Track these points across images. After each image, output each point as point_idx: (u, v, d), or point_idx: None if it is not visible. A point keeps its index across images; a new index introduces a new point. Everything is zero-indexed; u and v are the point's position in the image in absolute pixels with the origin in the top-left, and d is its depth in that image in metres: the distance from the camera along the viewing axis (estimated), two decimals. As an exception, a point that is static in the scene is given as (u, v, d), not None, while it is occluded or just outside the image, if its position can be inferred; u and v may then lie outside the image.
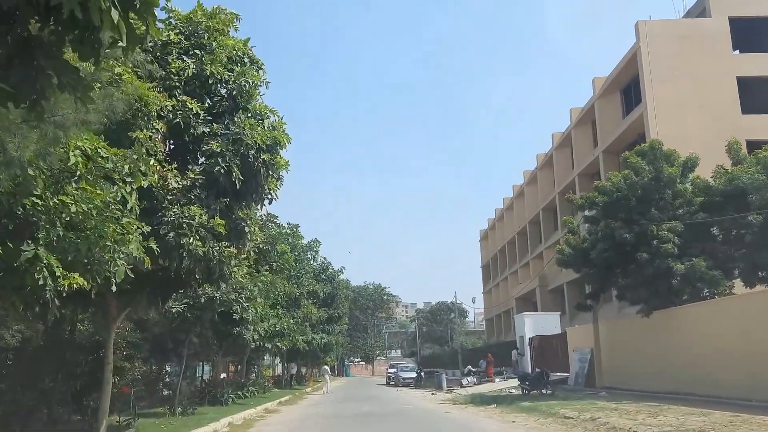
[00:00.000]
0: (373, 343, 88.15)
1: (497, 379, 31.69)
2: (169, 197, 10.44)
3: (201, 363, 34.60)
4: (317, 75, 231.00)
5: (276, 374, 39.68)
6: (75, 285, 7.00)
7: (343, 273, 38.65)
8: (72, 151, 6.78)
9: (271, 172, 11.61)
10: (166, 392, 20.62)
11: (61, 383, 13.21)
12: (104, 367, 11.47)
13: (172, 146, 11.86)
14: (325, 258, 38.77)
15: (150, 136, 8.36)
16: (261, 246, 19.08)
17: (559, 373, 28.54)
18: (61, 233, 6.88)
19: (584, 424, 12.74)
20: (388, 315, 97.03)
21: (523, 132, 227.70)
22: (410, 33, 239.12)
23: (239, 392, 22.32)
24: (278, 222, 22.94)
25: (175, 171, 10.77)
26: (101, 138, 7.64)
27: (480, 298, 77.75)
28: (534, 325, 34.10)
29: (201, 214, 10.40)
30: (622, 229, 19.36)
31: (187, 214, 10.23)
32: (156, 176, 8.84)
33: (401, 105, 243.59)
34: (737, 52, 33.72)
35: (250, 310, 15.99)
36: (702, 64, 32.42)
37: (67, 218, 6.98)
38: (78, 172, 6.96)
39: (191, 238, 10.17)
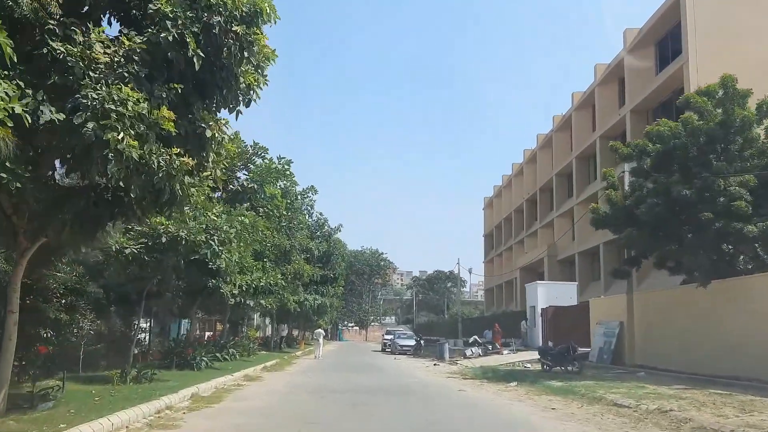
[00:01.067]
0: (368, 309, 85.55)
1: (505, 351, 28.76)
2: (92, 73, 7.03)
3: (179, 321, 31.67)
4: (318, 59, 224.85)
5: (265, 336, 36.80)
6: None
7: (340, 231, 35.22)
8: None
9: (247, 55, 8.14)
10: (137, 351, 17.53)
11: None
12: (6, 317, 8.21)
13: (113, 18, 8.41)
14: (321, 214, 35.23)
15: None
16: (246, 184, 15.73)
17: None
18: None
19: (653, 418, 9.61)
20: (384, 281, 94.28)
21: (538, 94, 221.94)
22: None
23: (218, 354, 19.25)
24: (268, 157, 19.06)
25: (104, 36, 7.36)
26: None
27: (478, 269, 74.93)
28: (548, 294, 31.05)
29: (138, 100, 6.99)
30: (680, 183, 16.01)
31: (116, 97, 6.82)
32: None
33: (402, 72, 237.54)
34: (791, 2, 29.91)
35: (224, 256, 12.66)
36: (753, 12, 28.67)
37: None
38: None
39: (121, 133, 6.78)
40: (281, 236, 19.50)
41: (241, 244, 13.50)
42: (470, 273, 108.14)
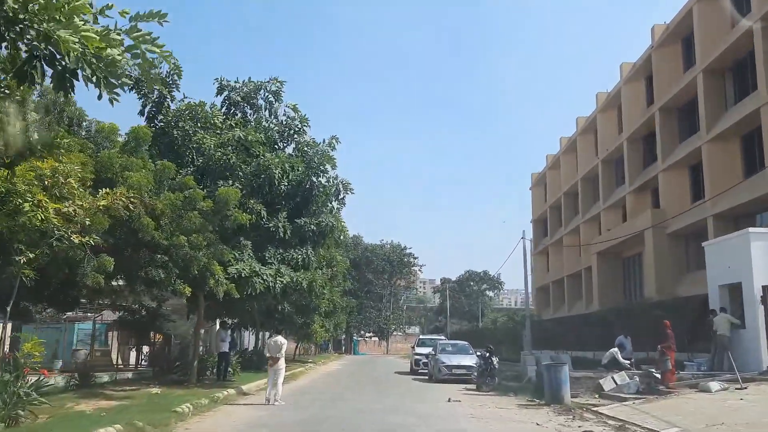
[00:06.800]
0: (389, 316, 67.56)
1: (716, 387, 11.27)
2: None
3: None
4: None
5: (243, 349, 19.59)
6: None
7: (335, 148, 16.91)
8: None
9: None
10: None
11: None
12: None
13: None
14: (294, 107, 17.24)
15: None
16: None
17: None
18: None
19: None
20: (409, 282, 76.29)
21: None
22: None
23: None
24: None
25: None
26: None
27: (506, 275, 56.98)
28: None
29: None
30: None
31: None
32: None
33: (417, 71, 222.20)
34: None
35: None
36: None
37: None
38: None
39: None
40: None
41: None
42: (498, 276, 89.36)
